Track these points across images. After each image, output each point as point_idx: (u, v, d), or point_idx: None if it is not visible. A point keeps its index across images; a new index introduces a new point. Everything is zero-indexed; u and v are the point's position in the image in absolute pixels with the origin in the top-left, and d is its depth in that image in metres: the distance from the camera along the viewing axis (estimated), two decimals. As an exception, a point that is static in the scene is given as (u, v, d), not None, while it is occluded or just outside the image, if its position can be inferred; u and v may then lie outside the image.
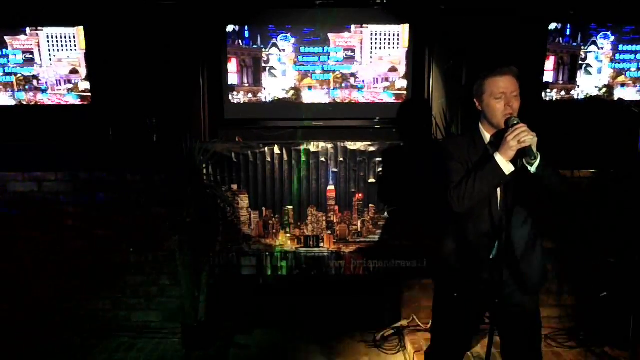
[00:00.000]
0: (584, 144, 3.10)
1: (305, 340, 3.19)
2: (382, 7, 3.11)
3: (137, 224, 3.20)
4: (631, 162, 2.80)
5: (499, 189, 1.87)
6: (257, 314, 3.34)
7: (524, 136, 1.69)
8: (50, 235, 3.24)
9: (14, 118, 3.25)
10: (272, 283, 3.30)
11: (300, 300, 3.33)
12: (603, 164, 3.12)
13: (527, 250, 1.92)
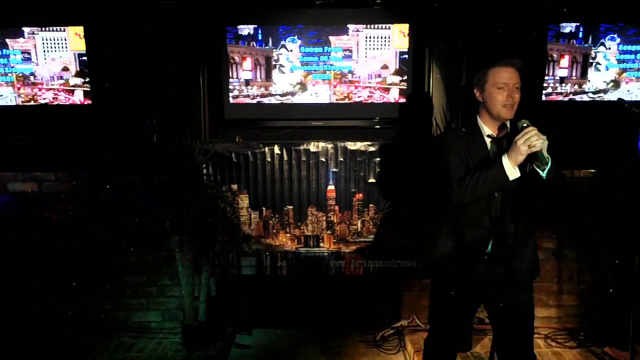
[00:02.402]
0: (584, 144, 3.10)
1: (305, 340, 3.19)
2: (382, 7, 3.12)
3: (137, 224, 3.20)
4: (631, 162, 2.80)
5: None
6: (257, 314, 3.34)
7: (534, 140, 1.67)
8: (51, 235, 3.24)
9: (14, 118, 3.26)
10: (272, 283, 3.31)
11: (300, 300, 3.33)
12: (603, 164, 3.12)
13: (520, 245, 1.93)
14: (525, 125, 1.73)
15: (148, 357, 3.00)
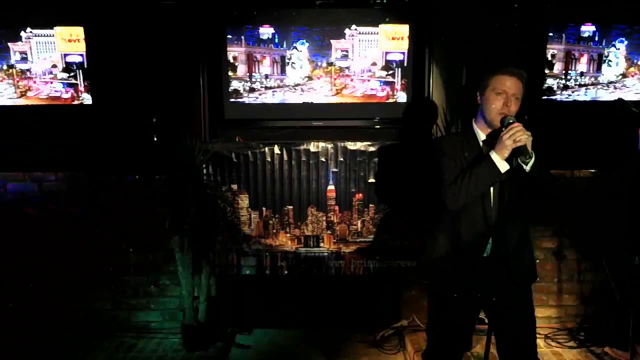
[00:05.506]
0: (584, 144, 3.10)
1: (305, 340, 3.19)
2: (382, 8, 3.13)
3: (137, 224, 3.21)
4: (631, 162, 2.80)
5: (492, 188, 1.88)
6: (257, 314, 3.34)
7: (519, 135, 1.72)
8: (51, 235, 3.24)
9: (14, 118, 3.26)
10: (272, 283, 3.31)
11: (300, 300, 3.33)
12: (603, 164, 3.12)
13: (518, 247, 1.94)
14: (511, 121, 1.78)
15: (148, 357, 3.00)
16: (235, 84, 3.21)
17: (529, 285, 2.00)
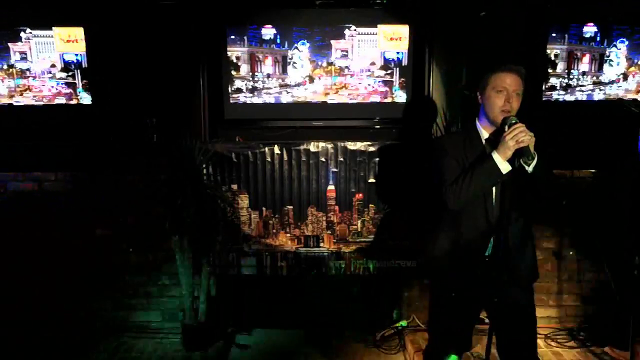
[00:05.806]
0: (584, 144, 3.10)
1: (305, 340, 3.19)
2: (382, 8, 3.13)
3: (137, 224, 3.20)
4: (631, 163, 2.80)
5: (494, 187, 1.88)
6: (257, 314, 3.34)
7: (522, 136, 1.71)
8: (51, 235, 3.24)
9: (13, 118, 3.26)
10: (272, 283, 3.31)
11: (300, 300, 3.33)
12: (603, 164, 3.12)
13: (520, 247, 1.94)
14: (513, 122, 1.78)
15: (148, 357, 3.01)
16: (238, 83, 3.24)
17: (530, 285, 2.00)
